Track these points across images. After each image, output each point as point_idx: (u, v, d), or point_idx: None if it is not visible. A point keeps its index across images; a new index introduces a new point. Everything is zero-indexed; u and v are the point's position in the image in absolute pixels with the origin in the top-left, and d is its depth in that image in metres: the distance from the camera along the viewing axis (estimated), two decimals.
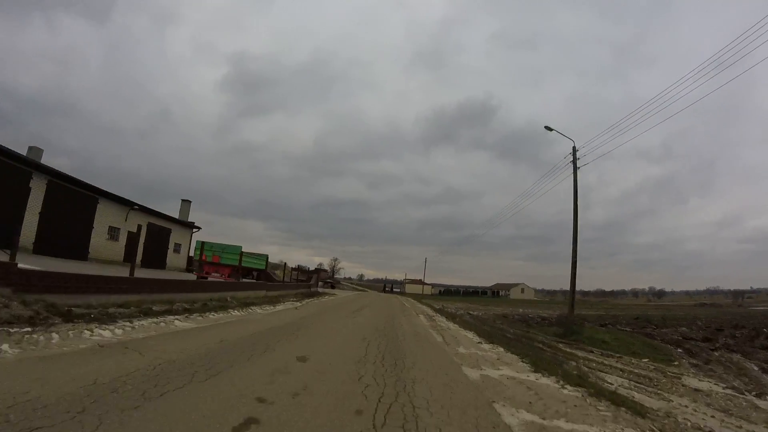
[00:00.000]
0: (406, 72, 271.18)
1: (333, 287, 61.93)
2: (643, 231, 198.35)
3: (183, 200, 32.58)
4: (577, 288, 16.65)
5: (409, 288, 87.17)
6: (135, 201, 23.69)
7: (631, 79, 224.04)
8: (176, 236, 29.20)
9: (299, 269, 38.92)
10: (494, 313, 25.98)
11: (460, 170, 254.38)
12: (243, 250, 24.15)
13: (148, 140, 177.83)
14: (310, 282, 37.26)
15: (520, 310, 30.75)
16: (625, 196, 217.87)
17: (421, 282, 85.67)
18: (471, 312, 24.95)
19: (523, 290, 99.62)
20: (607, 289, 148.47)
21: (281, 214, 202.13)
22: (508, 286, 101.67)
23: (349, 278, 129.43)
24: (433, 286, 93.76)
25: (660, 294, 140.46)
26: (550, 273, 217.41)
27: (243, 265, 22.01)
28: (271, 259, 39.73)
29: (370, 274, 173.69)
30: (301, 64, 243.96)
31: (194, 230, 32.06)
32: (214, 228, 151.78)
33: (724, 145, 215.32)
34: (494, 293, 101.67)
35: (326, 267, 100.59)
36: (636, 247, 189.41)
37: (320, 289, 38.05)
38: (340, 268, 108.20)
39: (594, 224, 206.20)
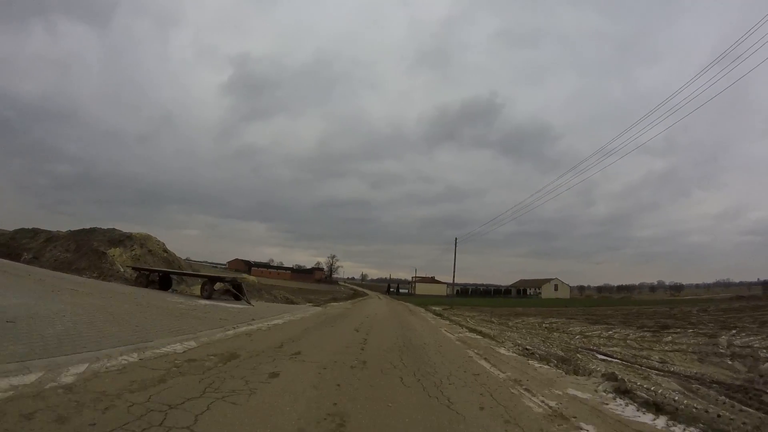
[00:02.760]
0: (409, 71, 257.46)
1: (238, 298, 15.45)
2: (646, 225, 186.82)
3: None
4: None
5: (420, 288, 67.64)
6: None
7: (633, 75, 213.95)
8: None
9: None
10: None
11: (463, 168, 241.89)
12: None
13: (150, 144, 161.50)
14: None
15: None
16: (628, 190, 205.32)
17: (434, 280, 65.91)
18: None
19: (557, 287, 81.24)
20: (613, 284, 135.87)
21: (283, 215, 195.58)
22: (538, 283, 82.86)
23: (351, 278, 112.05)
24: (447, 285, 74.75)
25: (679, 288, 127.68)
26: (556, 269, 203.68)
27: None
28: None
29: (373, 273, 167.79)
30: (303, 65, 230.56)
31: None
32: (217, 230, 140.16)
33: (727, 137, 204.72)
34: (519, 292, 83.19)
35: (324, 266, 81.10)
36: (639, 240, 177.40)
37: None
38: (338, 267, 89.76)
39: (596, 219, 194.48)
